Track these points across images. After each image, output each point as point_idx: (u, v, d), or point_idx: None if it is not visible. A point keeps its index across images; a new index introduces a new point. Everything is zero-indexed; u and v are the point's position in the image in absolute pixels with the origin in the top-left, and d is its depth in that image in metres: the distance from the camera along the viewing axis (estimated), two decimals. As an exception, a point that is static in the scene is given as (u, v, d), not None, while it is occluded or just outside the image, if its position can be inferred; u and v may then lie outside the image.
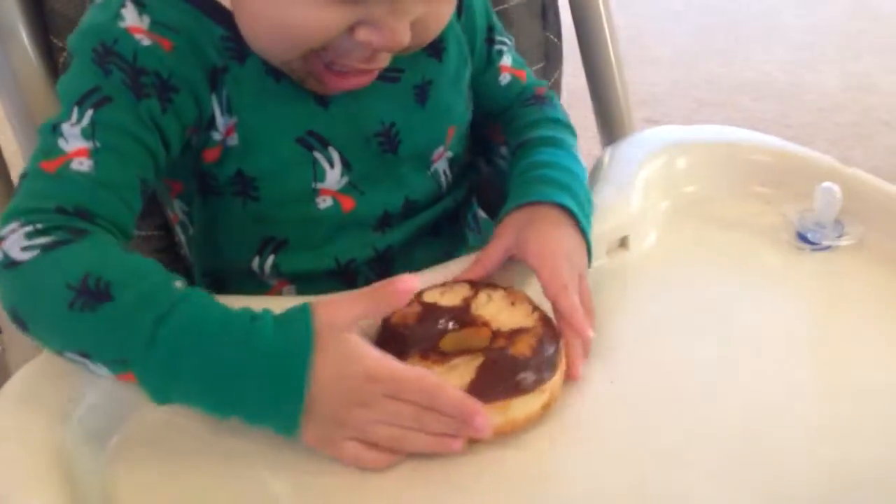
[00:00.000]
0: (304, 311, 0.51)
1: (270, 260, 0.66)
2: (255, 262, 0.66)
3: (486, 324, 0.57)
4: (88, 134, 0.55)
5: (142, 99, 0.57)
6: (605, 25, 0.95)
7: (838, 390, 0.59)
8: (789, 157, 0.77)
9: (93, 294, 0.49)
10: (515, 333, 0.55)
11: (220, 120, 0.61)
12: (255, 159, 0.62)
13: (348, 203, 0.65)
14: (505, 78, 0.74)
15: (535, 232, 0.61)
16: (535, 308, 0.58)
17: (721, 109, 2.30)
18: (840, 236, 0.70)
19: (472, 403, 0.50)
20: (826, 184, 0.70)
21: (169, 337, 0.49)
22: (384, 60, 0.60)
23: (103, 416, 0.53)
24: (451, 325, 0.57)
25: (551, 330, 0.56)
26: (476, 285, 0.60)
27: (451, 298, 0.59)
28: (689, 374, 0.60)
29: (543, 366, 0.54)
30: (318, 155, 0.63)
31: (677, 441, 0.54)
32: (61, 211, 0.53)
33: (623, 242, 0.70)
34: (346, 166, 0.63)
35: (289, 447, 0.52)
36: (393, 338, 0.56)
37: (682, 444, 0.54)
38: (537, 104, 0.73)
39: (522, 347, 0.54)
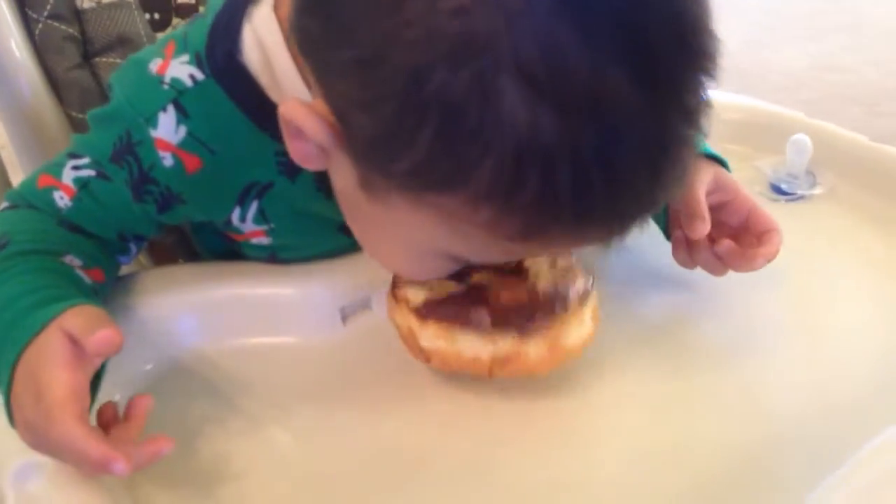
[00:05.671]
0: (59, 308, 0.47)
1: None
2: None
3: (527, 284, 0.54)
4: (79, 185, 0.56)
5: (139, 202, 0.55)
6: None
7: (815, 330, 0.61)
8: (760, 114, 0.80)
9: None
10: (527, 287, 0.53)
11: (240, 225, 0.58)
12: (287, 251, 0.61)
13: None
14: None
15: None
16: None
17: (688, 90, 2.32)
18: (812, 186, 0.73)
19: (108, 450, 0.43)
20: (797, 135, 0.72)
21: None
22: None
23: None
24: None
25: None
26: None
27: None
28: (673, 322, 0.62)
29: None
30: None
31: (659, 376, 0.57)
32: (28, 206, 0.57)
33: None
34: None
35: (290, 405, 0.54)
36: None
37: (664, 381, 0.56)
38: None
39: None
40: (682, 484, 0.49)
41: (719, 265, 0.60)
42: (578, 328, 0.53)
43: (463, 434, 0.53)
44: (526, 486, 0.50)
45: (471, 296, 0.52)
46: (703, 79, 0.38)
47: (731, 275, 0.61)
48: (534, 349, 0.52)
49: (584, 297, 0.54)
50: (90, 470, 0.44)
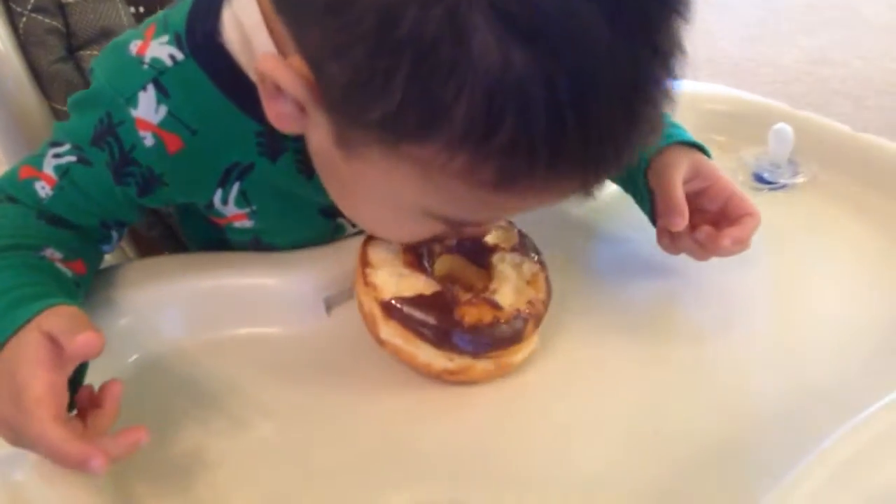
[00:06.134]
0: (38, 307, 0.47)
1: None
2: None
3: (485, 279, 0.56)
4: (60, 173, 0.56)
5: (120, 185, 0.55)
6: None
7: (797, 317, 0.62)
8: (743, 105, 0.80)
9: None
10: (491, 305, 0.54)
11: (222, 208, 0.58)
12: (270, 235, 0.61)
13: None
14: None
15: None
16: (536, 301, 0.55)
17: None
18: (795, 175, 0.73)
19: (85, 449, 0.43)
20: (779, 124, 0.72)
21: None
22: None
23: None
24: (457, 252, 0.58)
25: (524, 324, 0.54)
26: (523, 244, 0.59)
27: (493, 237, 0.58)
28: (659, 308, 0.63)
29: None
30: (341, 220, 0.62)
31: (641, 361, 0.57)
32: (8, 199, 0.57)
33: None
34: None
35: (276, 395, 0.54)
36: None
37: (645, 365, 0.57)
38: None
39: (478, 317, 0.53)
40: (666, 466, 0.50)
41: (700, 251, 0.60)
42: (526, 348, 0.55)
43: (448, 422, 0.54)
44: (512, 470, 0.50)
45: (438, 302, 0.53)
46: (677, 20, 0.38)
47: (716, 261, 0.61)
48: (482, 365, 0.54)
49: (538, 321, 0.55)
50: (68, 467, 0.45)
